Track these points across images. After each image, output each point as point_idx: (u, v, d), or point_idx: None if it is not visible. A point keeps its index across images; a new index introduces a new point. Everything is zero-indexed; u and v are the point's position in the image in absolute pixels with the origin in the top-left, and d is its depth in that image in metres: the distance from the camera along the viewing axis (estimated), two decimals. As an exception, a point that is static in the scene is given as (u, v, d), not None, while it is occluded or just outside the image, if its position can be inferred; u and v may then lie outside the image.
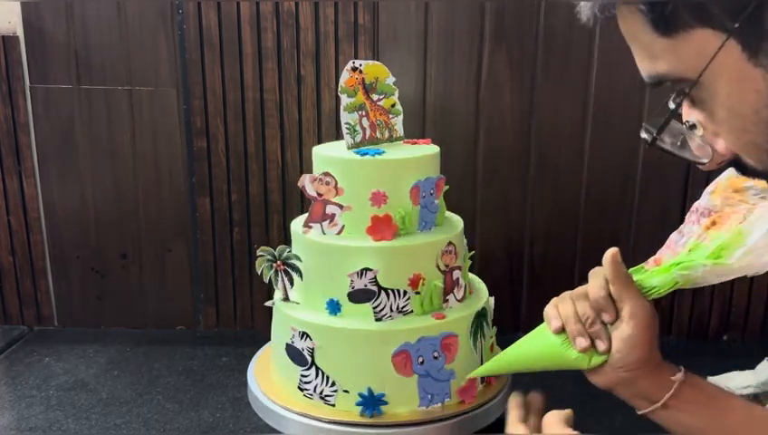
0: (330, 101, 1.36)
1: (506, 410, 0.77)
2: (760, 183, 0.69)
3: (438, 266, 1.02)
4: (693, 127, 0.57)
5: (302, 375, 1.00)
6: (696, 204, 0.73)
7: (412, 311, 1.00)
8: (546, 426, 0.69)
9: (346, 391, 0.98)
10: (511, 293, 1.45)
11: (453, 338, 0.99)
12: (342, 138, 1.06)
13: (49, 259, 1.47)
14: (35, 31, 1.36)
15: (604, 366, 0.72)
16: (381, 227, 1.00)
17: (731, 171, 0.71)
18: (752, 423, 0.68)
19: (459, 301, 1.06)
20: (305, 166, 1.39)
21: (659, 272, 0.71)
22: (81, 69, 1.37)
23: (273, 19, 1.33)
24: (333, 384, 0.98)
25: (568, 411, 0.71)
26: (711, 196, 0.72)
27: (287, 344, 1.01)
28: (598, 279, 0.72)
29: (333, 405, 0.99)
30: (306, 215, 1.05)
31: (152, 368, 1.32)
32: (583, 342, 0.72)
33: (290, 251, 1.03)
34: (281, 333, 1.04)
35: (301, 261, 1.03)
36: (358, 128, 1.06)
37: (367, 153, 1.02)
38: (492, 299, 1.11)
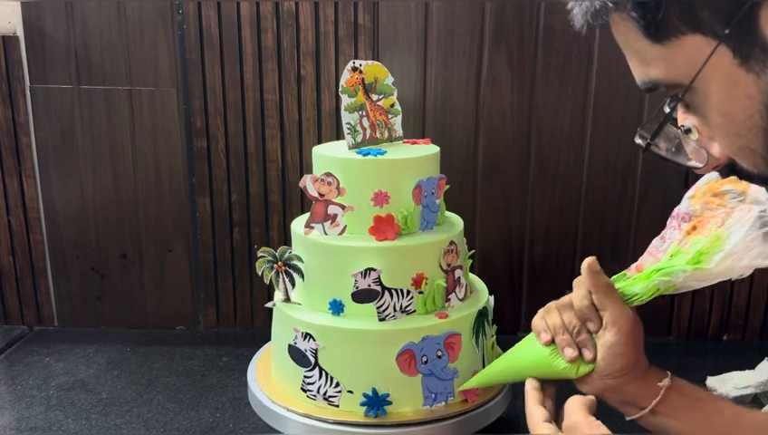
0: (330, 101, 1.36)
1: (524, 393, 0.76)
2: (738, 186, 0.69)
3: (441, 266, 1.03)
4: (688, 131, 0.57)
5: (306, 376, 1.00)
6: (676, 209, 0.74)
7: (415, 311, 1.00)
8: (568, 412, 0.68)
9: (350, 392, 0.98)
10: (511, 293, 1.45)
11: (456, 337, 1.00)
12: (341, 138, 1.06)
13: (49, 259, 1.47)
14: (35, 31, 1.36)
15: (591, 374, 0.73)
16: (384, 227, 1.00)
17: (710, 175, 0.72)
18: (739, 427, 0.69)
19: (461, 300, 1.06)
20: (305, 166, 1.39)
21: (641, 279, 0.72)
22: (81, 69, 1.37)
23: (273, 19, 1.33)
24: (337, 385, 0.98)
25: (590, 398, 0.70)
26: (690, 200, 0.73)
27: (290, 346, 1.01)
28: (581, 289, 0.73)
29: (337, 406, 0.99)
30: (307, 215, 1.05)
31: (152, 368, 1.32)
32: (571, 352, 0.73)
33: (291, 252, 1.03)
34: (282, 334, 1.04)
35: (302, 262, 1.02)
36: (358, 128, 1.06)
37: (369, 153, 1.02)
38: (492, 298, 1.11)
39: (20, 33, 1.36)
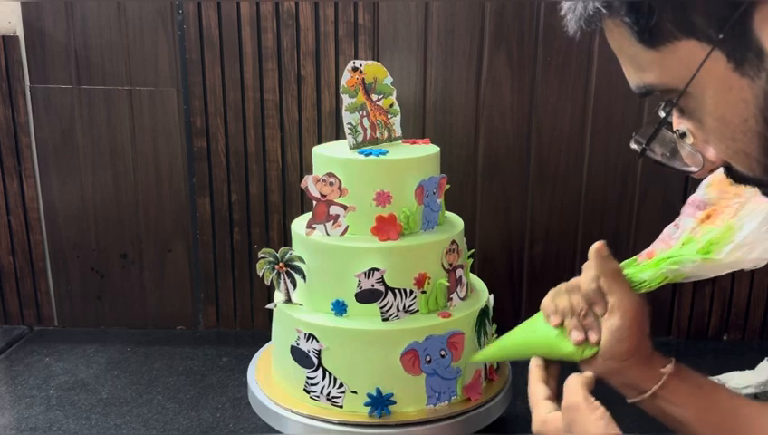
0: (330, 101, 1.36)
1: (529, 369, 0.76)
2: None
3: (443, 265, 1.03)
4: (683, 135, 0.57)
5: (309, 377, 1.00)
6: (692, 196, 0.73)
7: (418, 310, 1.01)
8: (568, 391, 0.68)
9: (354, 392, 0.98)
10: (511, 293, 1.45)
11: (459, 336, 1.00)
12: (341, 137, 1.06)
13: (49, 259, 1.47)
14: (35, 31, 1.36)
15: (595, 357, 0.73)
16: (387, 227, 1.00)
17: None
18: (740, 415, 0.69)
19: (462, 299, 1.06)
20: (305, 166, 1.39)
21: (650, 266, 0.72)
22: (81, 69, 1.37)
23: (273, 19, 1.33)
24: (341, 386, 0.98)
25: (588, 374, 0.70)
26: (707, 188, 0.72)
27: (292, 347, 1.01)
28: (589, 272, 0.73)
29: (341, 407, 0.99)
30: (307, 215, 1.05)
31: (152, 368, 1.32)
32: (578, 335, 0.73)
33: (292, 253, 1.03)
34: (284, 335, 1.04)
35: (304, 262, 1.02)
36: (359, 128, 1.06)
37: (371, 153, 1.02)
38: (491, 297, 1.11)
39: (20, 33, 1.37)
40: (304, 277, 1.02)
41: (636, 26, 0.52)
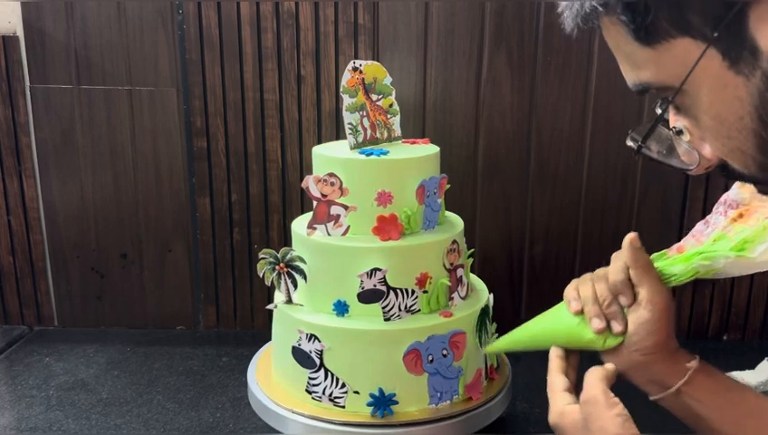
0: (330, 101, 1.36)
1: (548, 358, 0.76)
2: None
3: (444, 265, 1.03)
4: (680, 132, 0.57)
5: (311, 378, 1.00)
6: (724, 195, 0.73)
7: (419, 310, 1.01)
8: (587, 384, 0.67)
9: (356, 392, 0.98)
10: (511, 292, 1.45)
11: (461, 335, 1.00)
12: (341, 137, 1.06)
13: (49, 259, 1.47)
14: (35, 31, 1.36)
15: (620, 348, 0.72)
16: (388, 227, 1.00)
17: None
18: (763, 416, 0.69)
19: (463, 299, 1.06)
20: (305, 166, 1.39)
21: (681, 260, 0.71)
22: (81, 69, 1.37)
23: (273, 19, 1.33)
24: (343, 386, 0.98)
25: (609, 367, 0.69)
26: (740, 188, 0.72)
27: (294, 347, 1.01)
28: (618, 262, 0.72)
29: (343, 407, 0.98)
30: (307, 215, 1.05)
31: (152, 368, 1.32)
32: (599, 323, 0.72)
33: (293, 253, 1.03)
34: (285, 335, 1.03)
35: (305, 263, 1.02)
36: (359, 128, 1.06)
37: (372, 153, 1.02)
38: (491, 296, 1.11)
39: (20, 33, 1.36)
40: (305, 278, 1.02)
41: (632, 24, 0.53)
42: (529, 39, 1.33)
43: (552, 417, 0.70)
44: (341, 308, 1.00)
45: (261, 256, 1.03)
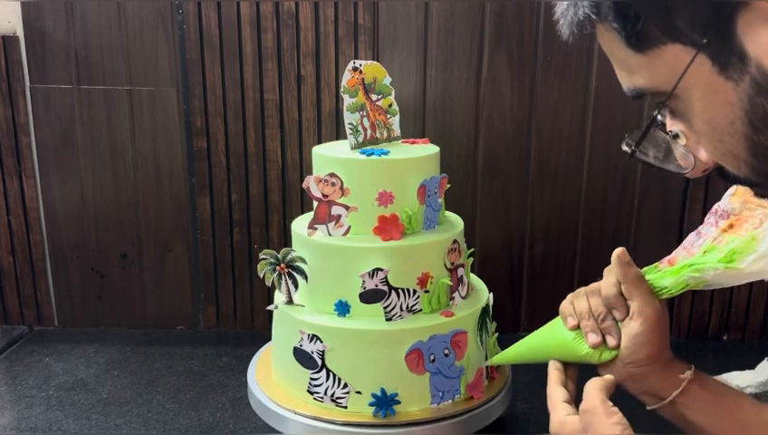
0: (330, 101, 1.36)
1: (547, 371, 0.76)
2: None
3: (445, 265, 1.03)
4: (676, 136, 0.58)
5: (312, 378, 1.00)
6: (715, 205, 0.74)
7: (421, 310, 1.01)
8: (587, 395, 0.68)
9: (358, 393, 0.98)
10: (511, 292, 1.45)
11: (462, 335, 1.00)
12: (341, 137, 1.06)
13: (49, 259, 1.47)
14: (35, 31, 1.36)
15: (614, 361, 0.73)
16: (389, 227, 1.00)
17: None
18: (759, 423, 0.69)
19: (464, 298, 1.06)
20: (305, 166, 1.39)
21: (671, 273, 0.72)
22: (81, 69, 1.37)
23: (273, 19, 1.33)
24: (345, 386, 0.98)
25: (608, 378, 0.70)
26: (731, 198, 0.72)
27: (295, 348, 1.00)
28: (611, 277, 0.73)
29: (345, 407, 0.98)
30: (306, 215, 1.05)
31: (152, 368, 1.32)
32: (594, 338, 0.73)
33: (294, 253, 1.03)
34: (286, 336, 1.03)
35: (305, 263, 1.02)
36: (359, 128, 1.06)
37: (373, 153, 1.02)
38: (491, 296, 1.11)
39: (20, 33, 1.36)
40: (306, 278, 1.02)
41: (623, 31, 0.54)
42: (529, 39, 1.33)
43: (553, 428, 0.71)
44: (343, 308, 1.00)
45: (261, 256, 1.03)
